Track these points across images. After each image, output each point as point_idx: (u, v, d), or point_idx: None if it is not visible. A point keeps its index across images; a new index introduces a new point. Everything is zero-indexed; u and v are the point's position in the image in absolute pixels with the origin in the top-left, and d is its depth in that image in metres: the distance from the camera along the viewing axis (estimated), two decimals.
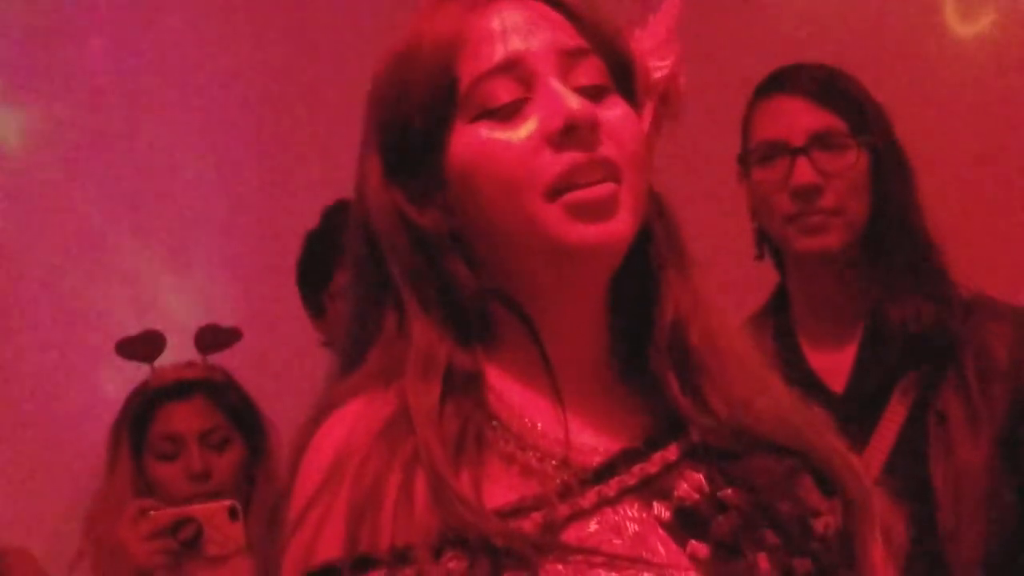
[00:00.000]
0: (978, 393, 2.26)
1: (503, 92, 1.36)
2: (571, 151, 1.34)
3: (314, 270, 2.98)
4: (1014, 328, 2.34)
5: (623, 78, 1.43)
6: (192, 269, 4.39)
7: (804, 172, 2.25)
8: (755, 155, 2.30)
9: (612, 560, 1.30)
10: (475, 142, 1.36)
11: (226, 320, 3.10)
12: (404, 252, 1.41)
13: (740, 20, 3.91)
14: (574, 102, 1.33)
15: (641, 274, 1.44)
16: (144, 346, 2.98)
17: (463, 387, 1.39)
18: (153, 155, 4.74)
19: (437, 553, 1.29)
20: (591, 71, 1.39)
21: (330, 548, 1.33)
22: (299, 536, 1.37)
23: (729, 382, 1.42)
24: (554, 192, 1.33)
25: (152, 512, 2.69)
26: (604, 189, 1.33)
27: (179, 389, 2.90)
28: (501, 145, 1.36)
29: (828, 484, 1.41)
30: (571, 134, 1.32)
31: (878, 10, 3.45)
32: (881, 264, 2.30)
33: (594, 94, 1.36)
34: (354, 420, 1.40)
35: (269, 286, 3.13)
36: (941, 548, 2.25)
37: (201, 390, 2.91)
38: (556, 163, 1.33)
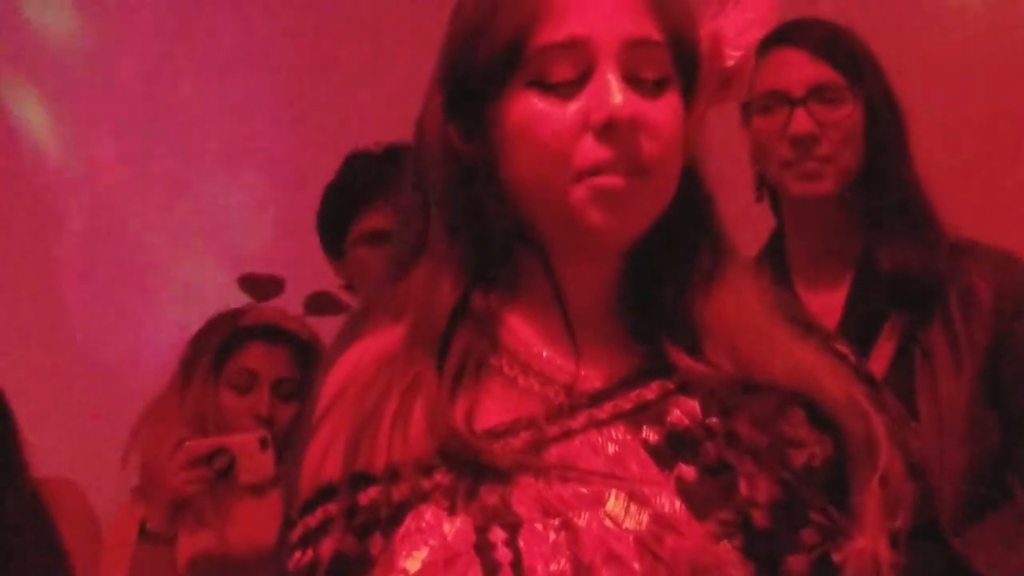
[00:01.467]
0: (962, 331, 2.28)
1: (561, 69, 1.37)
2: (608, 145, 1.35)
3: (334, 218, 2.96)
4: (996, 271, 2.34)
5: (688, 67, 1.43)
6: (235, 224, 4.42)
7: (802, 122, 2.28)
8: (757, 104, 2.32)
9: (584, 475, 1.34)
10: (526, 108, 1.38)
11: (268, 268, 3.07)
12: (446, 183, 1.44)
13: None
14: (620, 100, 1.34)
15: (669, 239, 1.46)
16: (264, 285, 3.01)
17: (478, 321, 1.44)
18: (200, 106, 4.72)
19: (428, 471, 1.36)
20: (655, 63, 1.39)
21: (334, 467, 1.40)
22: (310, 456, 1.45)
23: (736, 348, 1.43)
24: (581, 175, 1.36)
25: (188, 443, 2.70)
26: (628, 185, 1.35)
27: (270, 332, 2.92)
28: (547, 119, 1.37)
29: (823, 420, 1.41)
30: (611, 130, 1.34)
31: None
32: (872, 210, 2.32)
33: (652, 88, 1.38)
34: (362, 352, 1.47)
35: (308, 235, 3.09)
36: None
37: (288, 341, 2.92)
38: (592, 152, 1.35)
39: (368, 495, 1.37)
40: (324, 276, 2.99)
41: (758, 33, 1.46)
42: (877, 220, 2.32)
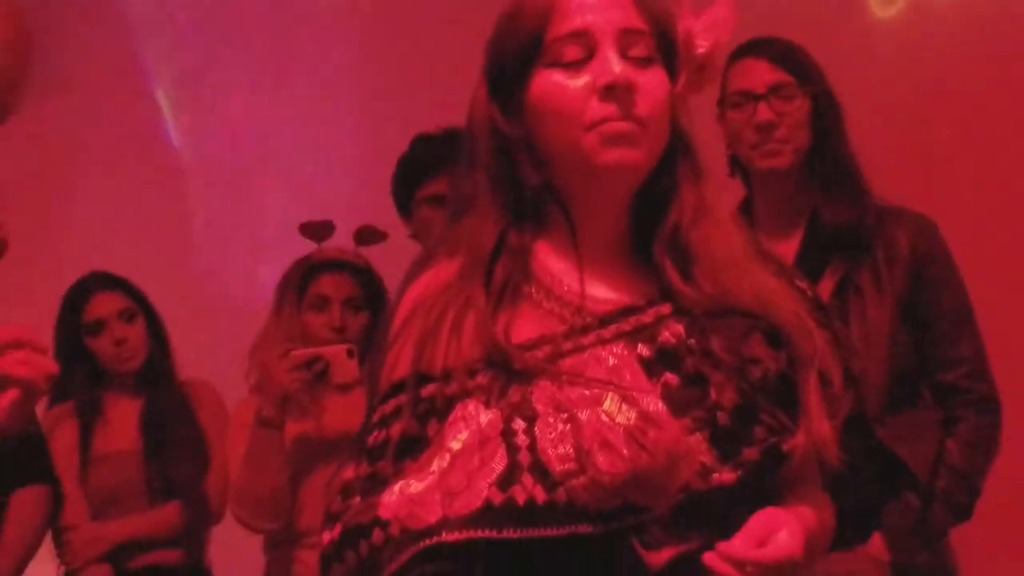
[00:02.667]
0: (885, 272, 2.30)
1: (571, 51, 1.40)
2: (610, 102, 1.38)
3: (403, 185, 2.94)
4: (913, 228, 2.36)
5: (668, 52, 1.45)
6: (330, 185, 4.31)
7: (764, 112, 2.32)
8: (729, 101, 2.36)
9: (588, 381, 1.34)
10: (547, 83, 1.42)
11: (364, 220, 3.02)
12: (489, 152, 1.48)
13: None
14: (617, 68, 1.38)
15: (664, 188, 1.46)
16: (319, 229, 2.93)
17: (513, 255, 1.45)
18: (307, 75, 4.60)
19: (472, 373, 1.38)
20: (641, 46, 1.42)
21: (404, 368, 1.42)
22: (387, 362, 1.47)
23: (717, 271, 1.43)
24: (591, 126, 1.39)
25: (293, 352, 2.69)
26: (628, 126, 1.38)
27: (335, 264, 2.88)
28: (563, 88, 1.41)
29: (779, 341, 1.41)
30: (612, 90, 1.37)
31: None
32: (818, 179, 2.34)
33: (640, 63, 1.40)
34: (426, 283, 1.48)
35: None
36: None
37: (348, 269, 2.88)
38: (598, 109, 1.38)
39: (428, 390, 1.40)
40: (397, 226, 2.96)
41: (723, 33, 1.47)
42: (822, 188, 2.34)
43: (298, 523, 2.78)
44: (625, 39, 1.41)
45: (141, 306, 3.10)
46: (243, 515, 2.81)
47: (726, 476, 1.34)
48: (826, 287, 2.28)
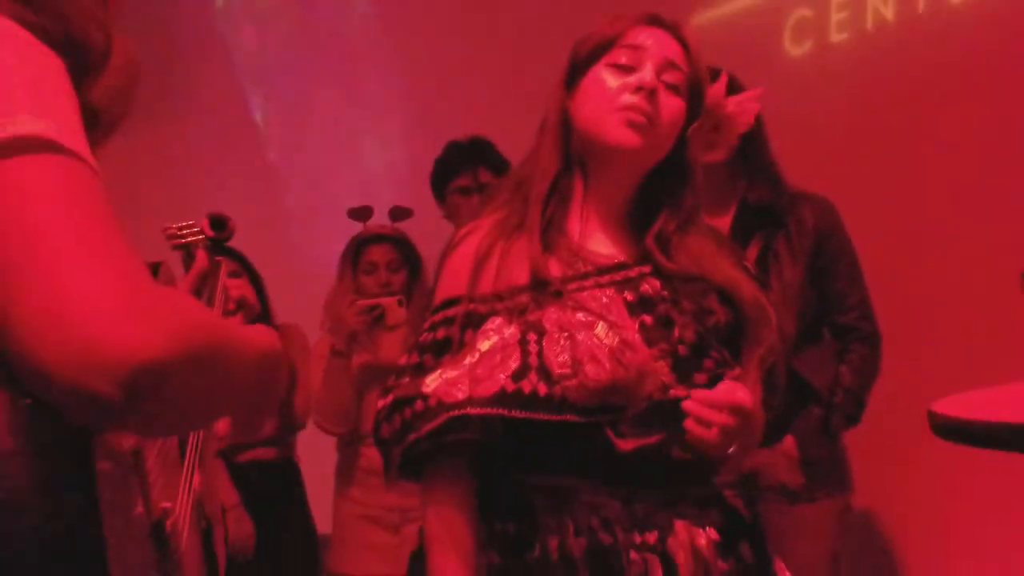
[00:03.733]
0: (796, 241, 2.29)
1: (625, 58, 1.44)
2: (637, 98, 1.40)
3: (439, 177, 2.94)
4: (817, 207, 2.34)
5: (693, 96, 1.46)
6: (385, 175, 4.29)
7: None
8: None
9: (586, 312, 1.38)
10: (599, 74, 1.45)
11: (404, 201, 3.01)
12: (556, 120, 1.49)
13: None
14: (651, 77, 1.41)
15: (665, 189, 1.48)
16: (362, 212, 2.92)
17: (561, 196, 1.47)
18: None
19: (501, 298, 1.40)
20: (676, 77, 1.44)
21: (454, 288, 1.45)
22: (441, 284, 1.49)
23: (696, 258, 1.45)
24: (617, 110, 1.41)
25: (358, 301, 2.75)
26: (642, 119, 1.40)
27: (378, 238, 2.91)
28: (608, 81, 1.44)
29: (730, 302, 1.44)
30: (641, 91, 1.40)
31: (730, 30, 3.23)
32: (745, 170, 2.31)
33: (669, 88, 1.43)
34: (478, 227, 1.49)
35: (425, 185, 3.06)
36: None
37: (390, 240, 2.91)
38: (627, 99, 1.41)
39: (468, 307, 1.42)
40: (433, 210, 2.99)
41: (746, 120, 1.54)
42: (747, 176, 2.32)
43: (362, 427, 2.81)
44: (665, 67, 1.43)
45: (246, 268, 3.08)
46: (322, 423, 2.85)
47: (680, 392, 1.36)
48: (752, 253, 2.27)
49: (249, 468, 2.95)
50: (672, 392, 1.36)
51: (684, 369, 1.38)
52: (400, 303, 2.74)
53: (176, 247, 1.40)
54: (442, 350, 1.40)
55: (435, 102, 4.06)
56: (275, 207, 4.56)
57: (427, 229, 2.89)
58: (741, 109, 1.61)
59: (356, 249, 2.91)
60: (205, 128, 4.53)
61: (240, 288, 3.13)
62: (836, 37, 3.01)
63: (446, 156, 2.93)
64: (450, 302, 1.44)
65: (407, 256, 2.91)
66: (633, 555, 1.33)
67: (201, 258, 1.28)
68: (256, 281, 3.04)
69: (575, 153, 1.46)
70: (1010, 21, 2.63)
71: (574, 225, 1.47)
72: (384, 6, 4.50)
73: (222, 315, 1.30)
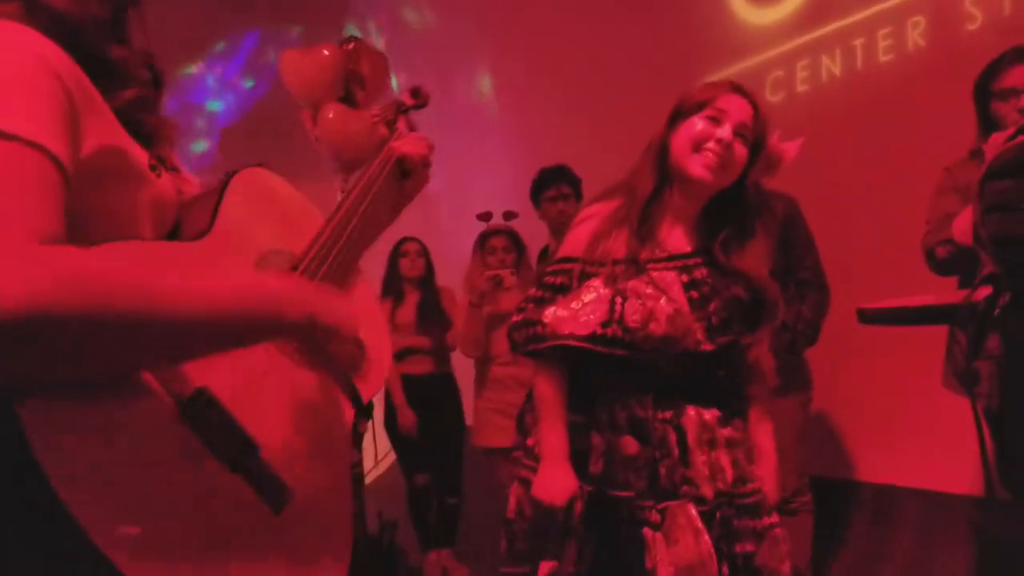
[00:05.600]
0: (770, 226, 1.88)
1: (714, 115, 1.35)
2: (715, 145, 1.33)
3: (535, 190, 2.87)
4: (784, 201, 2.22)
5: (757, 143, 1.37)
6: (499, 188, 4.17)
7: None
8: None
9: (655, 285, 1.33)
10: (694, 122, 1.36)
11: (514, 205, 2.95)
12: (658, 146, 1.41)
13: None
14: (728, 134, 1.33)
15: (729, 208, 1.40)
16: (484, 216, 2.87)
17: (659, 203, 1.39)
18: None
19: (603, 264, 1.35)
20: (745, 134, 1.36)
21: (576, 251, 1.39)
22: (565, 244, 1.41)
23: (742, 252, 1.38)
24: (699, 150, 1.34)
25: (486, 272, 2.74)
26: (715, 161, 1.33)
27: (496, 232, 2.85)
28: (698, 127, 1.35)
29: (754, 291, 1.37)
30: (720, 142, 1.33)
31: None
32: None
33: (739, 138, 1.35)
34: (597, 210, 1.42)
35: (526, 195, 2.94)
36: None
37: (504, 233, 2.85)
38: (708, 144, 1.33)
39: (579, 267, 1.38)
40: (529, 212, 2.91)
41: (787, 158, 1.43)
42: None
43: (490, 352, 2.84)
44: (740, 127, 1.36)
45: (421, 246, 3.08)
46: (464, 349, 2.89)
47: (707, 347, 1.34)
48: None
49: (419, 377, 3.00)
50: (703, 347, 1.33)
51: (713, 333, 1.34)
52: (512, 273, 2.75)
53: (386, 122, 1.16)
54: (557, 291, 1.38)
55: (532, 145, 4.10)
56: (433, 214, 4.59)
57: (528, 225, 2.93)
58: (786, 151, 1.62)
59: (482, 239, 2.90)
60: None
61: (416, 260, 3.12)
62: (799, 88, 2.97)
63: (539, 177, 2.94)
64: (569, 259, 1.39)
65: (515, 243, 2.89)
66: (657, 425, 1.32)
67: (400, 133, 1.09)
68: (426, 255, 3.08)
69: (668, 172, 1.39)
70: (928, 74, 2.52)
71: (662, 222, 1.40)
72: (501, 90, 4.58)
73: (385, 172, 0.99)
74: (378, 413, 3.08)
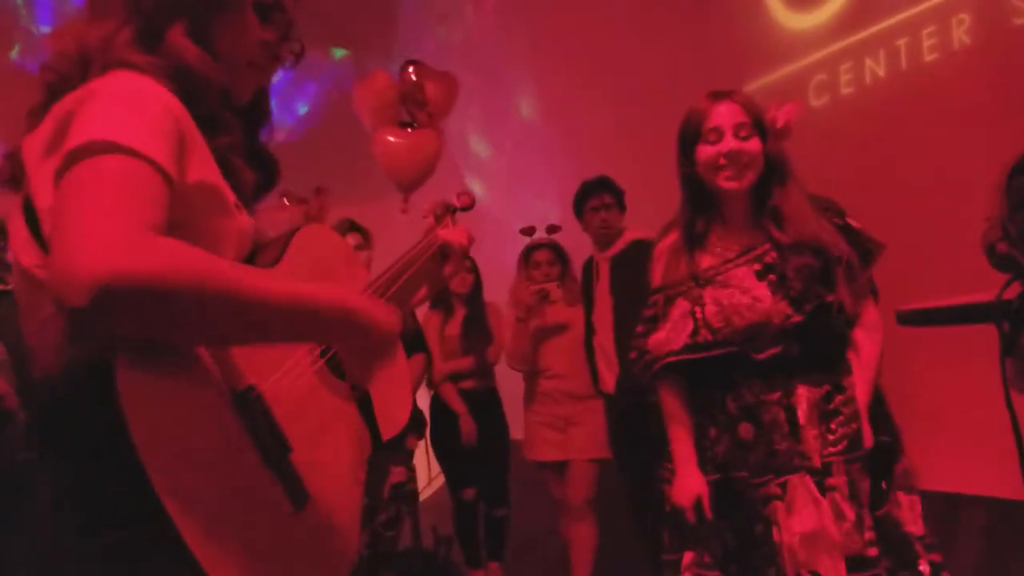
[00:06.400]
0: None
1: (712, 136, 1.42)
2: (725, 160, 1.40)
3: (578, 202, 2.80)
4: (825, 203, 2.07)
5: (761, 128, 1.43)
6: (544, 203, 4.17)
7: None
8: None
9: (730, 285, 1.40)
10: (700, 151, 1.44)
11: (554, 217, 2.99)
12: (687, 176, 1.49)
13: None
14: (729, 145, 1.39)
15: (770, 187, 1.44)
16: (528, 230, 2.85)
17: (707, 227, 1.47)
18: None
19: (683, 283, 1.44)
20: (745, 130, 1.42)
21: (656, 282, 1.51)
22: (652, 275, 1.51)
23: (795, 223, 1.40)
24: (717, 169, 1.42)
25: (532, 286, 2.75)
26: (732, 171, 1.40)
27: (540, 245, 2.84)
28: (706, 151, 1.43)
29: (821, 254, 1.40)
30: (728, 155, 1.41)
31: (772, 89, 2.99)
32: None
33: (743, 138, 1.41)
34: (669, 241, 1.51)
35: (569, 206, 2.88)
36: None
37: (547, 246, 2.83)
38: (721, 161, 1.40)
39: (662, 296, 1.48)
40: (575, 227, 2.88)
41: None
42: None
43: (538, 365, 2.84)
44: (737, 128, 1.42)
45: (471, 263, 3.00)
46: (512, 363, 2.90)
47: (797, 318, 1.39)
48: None
49: (464, 391, 2.99)
50: (791, 319, 1.39)
51: (798, 303, 1.40)
52: (558, 286, 2.75)
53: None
54: (652, 322, 1.50)
55: (576, 159, 4.09)
56: (477, 230, 4.55)
57: (572, 239, 2.93)
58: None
59: (527, 253, 2.89)
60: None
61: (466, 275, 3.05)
62: (844, 91, 2.95)
63: (582, 188, 2.92)
64: (656, 290, 1.52)
65: (559, 256, 2.87)
66: (767, 407, 1.38)
67: (447, 224, 1.17)
68: (475, 271, 3.06)
69: (706, 190, 1.47)
70: (976, 73, 2.50)
71: (719, 230, 1.48)
72: (545, 105, 4.58)
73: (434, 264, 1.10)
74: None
